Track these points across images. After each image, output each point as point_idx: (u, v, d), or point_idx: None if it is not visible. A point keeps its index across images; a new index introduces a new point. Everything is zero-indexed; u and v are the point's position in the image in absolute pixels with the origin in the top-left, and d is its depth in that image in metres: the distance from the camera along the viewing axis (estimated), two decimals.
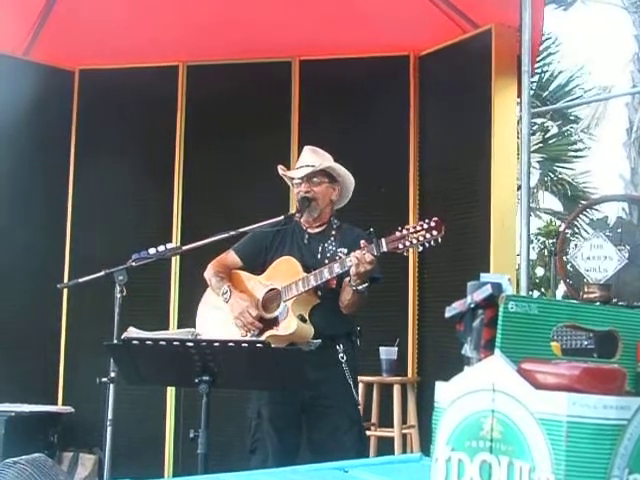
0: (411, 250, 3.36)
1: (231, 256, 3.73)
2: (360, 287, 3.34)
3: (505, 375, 0.80)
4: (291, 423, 3.53)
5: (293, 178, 3.68)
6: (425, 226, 3.21)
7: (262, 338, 3.44)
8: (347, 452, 3.27)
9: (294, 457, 3.46)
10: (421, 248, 3.28)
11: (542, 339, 0.85)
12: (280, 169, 3.79)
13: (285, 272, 3.52)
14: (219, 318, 3.61)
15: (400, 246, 3.22)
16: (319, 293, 3.50)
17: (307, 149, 3.76)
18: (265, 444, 3.50)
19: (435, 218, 3.25)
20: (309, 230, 3.66)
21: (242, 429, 3.72)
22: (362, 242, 3.25)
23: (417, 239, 3.19)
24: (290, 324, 3.44)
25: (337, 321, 3.51)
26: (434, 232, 3.20)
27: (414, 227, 3.22)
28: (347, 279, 3.42)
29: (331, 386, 3.47)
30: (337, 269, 3.34)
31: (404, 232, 3.22)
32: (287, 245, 3.64)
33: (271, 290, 3.55)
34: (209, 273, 3.70)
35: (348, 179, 3.73)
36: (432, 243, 3.22)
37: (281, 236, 3.66)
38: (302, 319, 3.44)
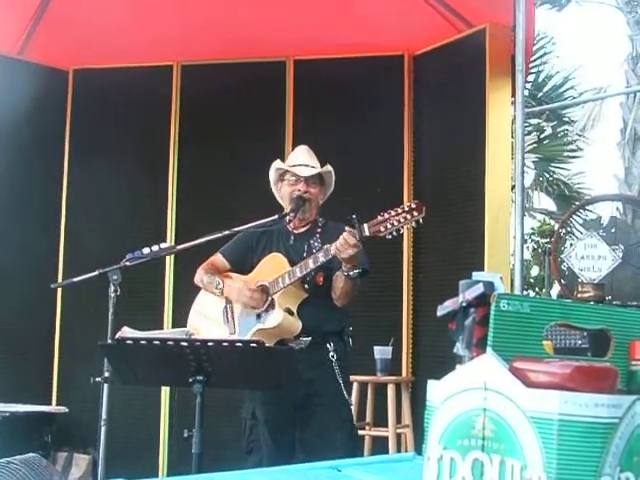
0: (403, 236, 3.39)
1: (219, 259, 3.73)
2: (352, 273, 3.34)
3: (497, 373, 0.80)
4: (285, 423, 3.52)
5: (285, 173, 3.66)
6: (406, 208, 3.26)
7: (250, 333, 3.45)
8: (337, 451, 3.27)
9: (289, 457, 3.45)
10: (403, 230, 3.31)
11: (534, 338, 0.85)
12: (280, 164, 3.75)
13: (272, 268, 3.53)
14: (211, 326, 3.60)
15: (382, 229, 3.24)
16: (306, 287, 3.51)
17: (304, 149, 3.76)
18: (261, 445, 3.50)
19: (416, 200, 3.33)
20: (294, 231, 3.68)
21: (237, 429, 3.72)
22: (346, 228, 3.26)
23: (398, 221, 3.23)
24: (276, 316, 3.44)
25: (327, 319, 3.52)
26: (415, 213, 3.24)
27: (395, 210, 3.26)
28: (338, 272, 3.44)
29: (321, 385, 3.46)
30: (321, 258, 3.35)
31: (385, 215, 3.25)
32: (274, 246, 3.64)
33: (259, 287, 3.55)
34: (200, 275, 3.70)
35: (332, 184, 3.76)
36: (413, 224, 3.27)
37: (267, 238, 3.67)
38: (289, 312, 3.45)
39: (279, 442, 3.48)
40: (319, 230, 3.65)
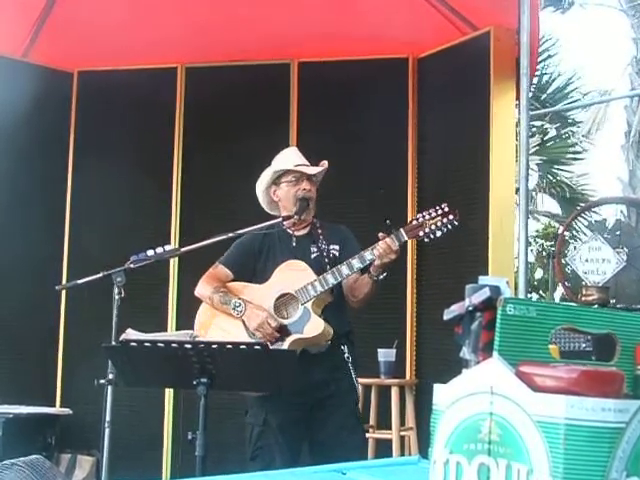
0: (421, 242, 3.42)
1: (221, 269, 3.62)
2: (381, 277, 3.36)
3: (503, 378, 0.80)
4: (298, 429, 3.50)
5: (282, 175, 3.62)
6: (440, 211, 3.30)
7: (287, 343, 3.39)
8: (353, 451, 3.27)
9: (297, 462, 3.45)
10: (439, 234, 3.33)
11: (540, 342, 0.85)
12: (281, 165, 3.66)
13: (294, 276, 3.46)
14: (232, 331, 3.49)
15: (421, 233, 3.30)
16: (333, 292, 3.49)
17: (295, 149, 3.77)
18: (269, 451, 3.44)
19: (445, 204, 3.34)
20: (296, 233, 3.64)
21: (240, 431, 3.71)
22: (380, 234, 3.28)
23: (435, 224, 3.28)
24: (317, 325, 3.40)
25: (341, 321, 3.52)
26: (450, 216, 3.30)
27: (429, 214, 3.31)
28: (359, 276, 3.43)
29: (340, 386, 3.47)
30: (357, 264, 3.34)
31: (420, 220, 3.30)
32: (277, 250, 3.59)
33: (282, 296, 3.47)
34: (207, 290, 3.55)
35: None
36: (449, 227, 3.30)
37: (268, 241, 3.61)
38: (324, 319, 3.44)
39: (291, 448, 3.46)
40: (319, 231, 3.62)
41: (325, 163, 3.65)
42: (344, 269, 3.36)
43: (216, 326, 3.55)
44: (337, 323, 3.46)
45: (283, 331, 3.43)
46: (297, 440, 3.50)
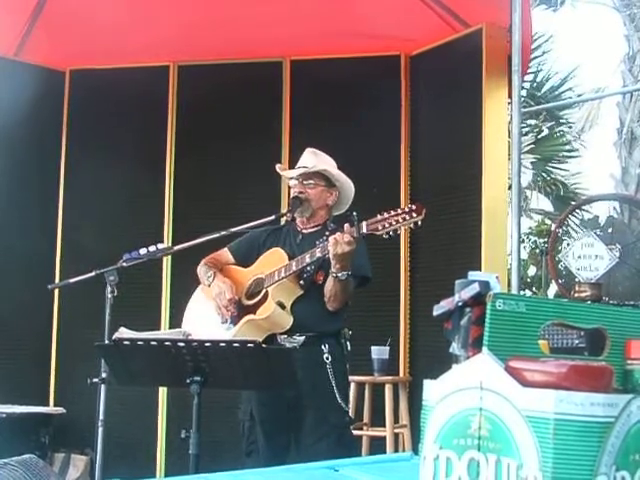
0: (401, 236, 3.41)
1: (224, 253, 3.76)
2: (340, 274, 3.32)
3: (493, 373, 0.80)
4: (280, 424, 3.49)
5: (291, 178, 3.70)
6: (406, 209, 3.26)
7: (240, 323, 3.46)
8: (321, 456, 3.20)
9: (285, 457, 3.43)
10: (401, 230, 3.31)
11: (530, 337, 0.85)
12: (278, 167, 3.85)
13: (272, 262, 3.54)
14: (204, 311, 3.63)
15: (380, 227, 3.24)
16: (302, 283, 3.49)
17: (308, 151, 3.76)
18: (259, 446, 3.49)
19: (417, 202, 3.33)
20: (303, 230, 3.68)
21: (234, 429, 3.72)
22: (345, 225, 3.27)
23: (397, 221, 3.23)
24: (267, 308, 3.43)
25: (323, 319, 3.48)
26: (414, 214, 3.24)
27: (395, 210, 3.26)
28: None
29: (311, 387, 3.39)
30: (318, 253, 3.35)
31: (385, 215, 3.26)
32: (280, 244, 3.64)
33: (257, 279, 3.56)
34: (200, 265, 3.73)
35: (347, 185, 3.72)
36: (412, 226, 3.28)
37: (275, 236, 3.69)
38: (281, 305, 3.44)
39: (274, 443, 3.47)
40: (327, 233, 3.60)
41: (317, 167, 3.63)
42: (307, 257, 3.39)
43: (194, 303, 3.76)
44: (311, 319, 3.45)
45: (243, 311, 3.50)
46: (280, 435, 3.49)
